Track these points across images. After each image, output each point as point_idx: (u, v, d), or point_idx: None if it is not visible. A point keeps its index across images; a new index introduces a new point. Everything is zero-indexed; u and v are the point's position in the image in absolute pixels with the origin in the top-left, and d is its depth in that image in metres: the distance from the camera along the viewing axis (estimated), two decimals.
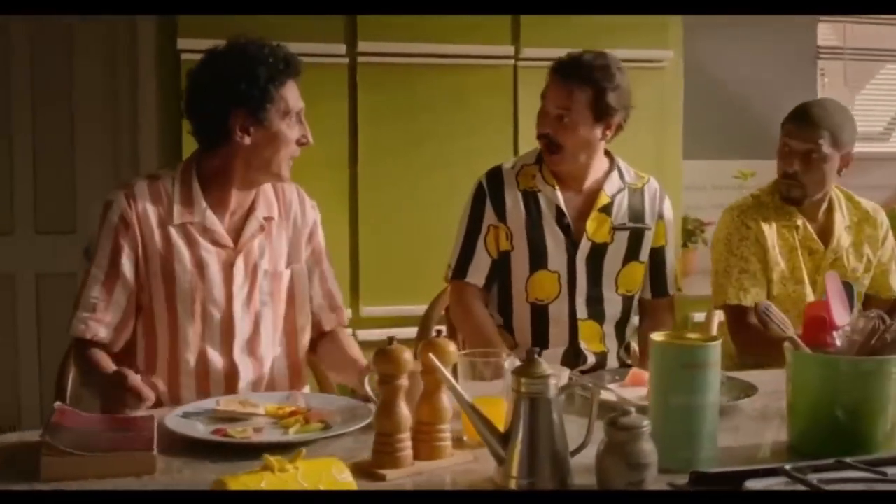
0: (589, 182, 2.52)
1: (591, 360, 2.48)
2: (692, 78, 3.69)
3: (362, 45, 3.30)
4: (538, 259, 2.48)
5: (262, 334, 2.20)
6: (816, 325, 1.77)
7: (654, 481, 1.48)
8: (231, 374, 2.17)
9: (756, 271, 2.60)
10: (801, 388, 1.70)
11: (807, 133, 2.58)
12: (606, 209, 2.51)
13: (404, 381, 1.60)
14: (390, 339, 1.61)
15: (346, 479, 1.39)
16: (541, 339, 2.49)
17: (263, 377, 2.22)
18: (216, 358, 2.15)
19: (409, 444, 1.61)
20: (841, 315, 1.76)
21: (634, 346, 2.66)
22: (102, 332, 2.11)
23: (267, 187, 2.25)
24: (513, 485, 1.51)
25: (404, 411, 1.60)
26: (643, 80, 3.54)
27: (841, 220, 2.69)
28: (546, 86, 2.47)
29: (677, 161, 3.66)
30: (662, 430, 1.60)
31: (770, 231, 2.63)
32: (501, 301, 2.55)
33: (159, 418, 1.78)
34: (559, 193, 2.50)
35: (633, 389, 2.06)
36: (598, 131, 2.45)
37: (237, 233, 2.18)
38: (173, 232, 2.13)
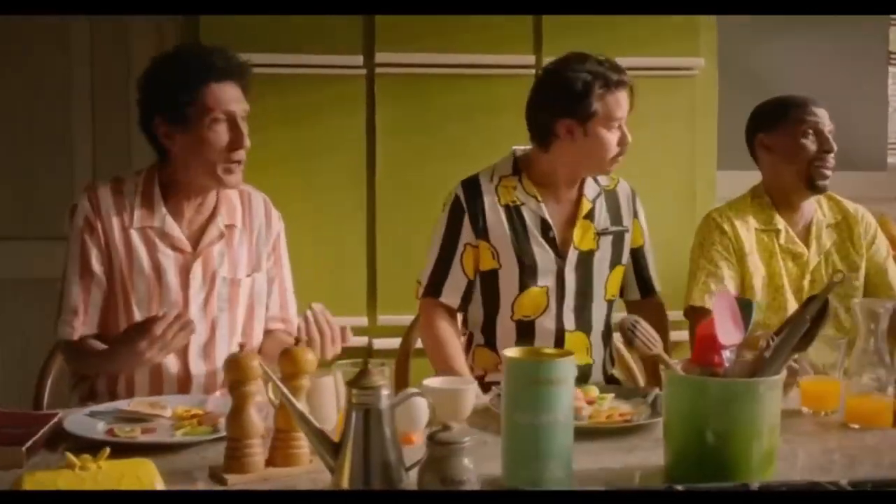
0: (568, 189, 2.47)
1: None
2: (729, 85, 3.53)
3: (380, 57, 3.31)
4: (528, 276, 2.42)
5: (217, 339, 2.25)
6: (706, 345, 1.68)
7: None
8: (184, 377, 2.23)
9: (724, 277, 2.52)
10: (672, 411, 1.62)
11: (824, 115, 2.57)
12: (590, 215, 2.46)
13: (253, 388, 1.62)
14: (241, 346, 1.63)
15: (151, 483, 1.41)
16: None
17: (217, 381, 2.28)
18: (171, 360, 2.21)
19: (258, 450, 1.62)
20: (729, 334, 1.66)
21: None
22: (88, 332, 2.21)
23: (232, 195, 2.30)
24: None
25: (253, 418, 1.62)
26: (672, 89, 3.45)
27: (821, 220, 2.62)
28: (608, 102, 2.36)
29: (711, 171, 3.51)
30: (509, 447, 1.57)
31: (748, 236, 2.57)
32: (486, 319, 2.50)
33: (63, 415, 1.86)
34: (543, 206, 2.44)
35: None
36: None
37: (197, 239, 2.25)
38: (134, 235, 2.21)
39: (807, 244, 2.58)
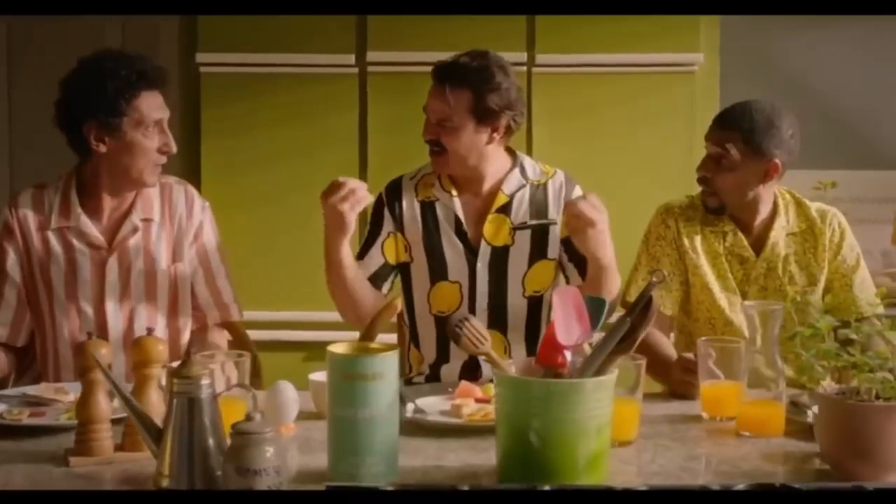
0: (488, 184, 2.43)
1: (488, 372, 2.41)
2: (732, 81, 3.41)
3: (372, 56, 3.35)
4: (438, 270, 2.43)
5: (136, 330, 2.32)
6: (551, 344, 1.65)
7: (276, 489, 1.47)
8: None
9: (665, 274, 2.41)
10: (500, 411, 1.60)
11: (717, 136, 2.40)
12: (505, 209, 2.41)
13: (99, 375, 1.67)
14: (89, 335, 1.70)
15: None
16: (443, 352, 2.44)
17: None
18: None
19: (106, 434, 1.69)
20: (570, 333, 1.62)
21: None
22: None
23: (151, 190, 2.37)
24: (164, 482, 1.55)
25: (101, 403, 1.68)
26: (669, 86, 3.38)
27: (782, 227, 2.44)
28: (428, 91, 2.43)
29: None
30: (331, 442, 1.59)
31: (693, 234, 2.45)
32: (408, 315, 2.51)
33: None
34: (457, 200, 2.43)
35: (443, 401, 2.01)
36: (484, 135, 2.36)
37: (113, 235, 2.33)
38: (51, 236, 2.31)
39: (759, 250, 2.44)
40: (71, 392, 2.02)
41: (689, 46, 3.35)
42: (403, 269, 2.48)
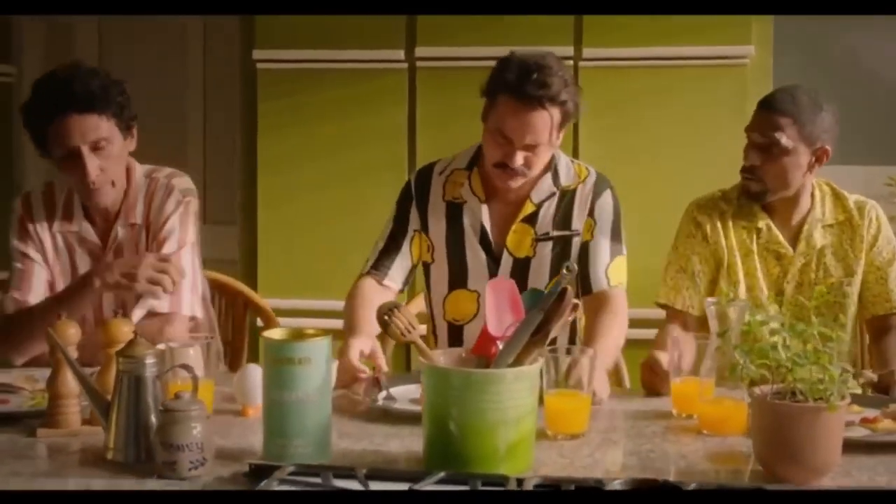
0: (519, 189, 2.33)
1: None
2: (786, 74, 3.30)
3: (420, 51, 3.40)
4: (458, 278, 2.38)
5: None
6: (485, 335, 1.68)
7: (199, 465, 1.55)
8: None
9: (695, 273, 2.40)
10: (426, 400, 1.63)
11: (766, 123, 2.33)
12: (531, 219, 2.33)
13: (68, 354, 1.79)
14: (59, 316, 1.81)
15: None
16: None
17: None
18: None
19: (75, 409, 1.80)
20: (500, 323, 1.65)
21: None
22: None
23: (140, 191, 2.40)
24: (109, 455, 1.65)
25: (69, 380, 1.79)
26: (720, 79, 3.31)
27: (817, 220, 2.39)
28: (502, 115, 2.26)
29: None
30: (264, 423, 1.66)
31: (725, 231, 2.41)
32: (428, 312, 2.49)
33: None
34: (485, 207, 2.35)
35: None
36: (556, 143, 2.31)
37: (107, 237, 2.40)
38: (58, 238, 2.40)
39: (795, 243, 2.39)
40: (40, 381, 2.03)
41: (739, 39, 3.27)
42: (425, 269, 2.44)
